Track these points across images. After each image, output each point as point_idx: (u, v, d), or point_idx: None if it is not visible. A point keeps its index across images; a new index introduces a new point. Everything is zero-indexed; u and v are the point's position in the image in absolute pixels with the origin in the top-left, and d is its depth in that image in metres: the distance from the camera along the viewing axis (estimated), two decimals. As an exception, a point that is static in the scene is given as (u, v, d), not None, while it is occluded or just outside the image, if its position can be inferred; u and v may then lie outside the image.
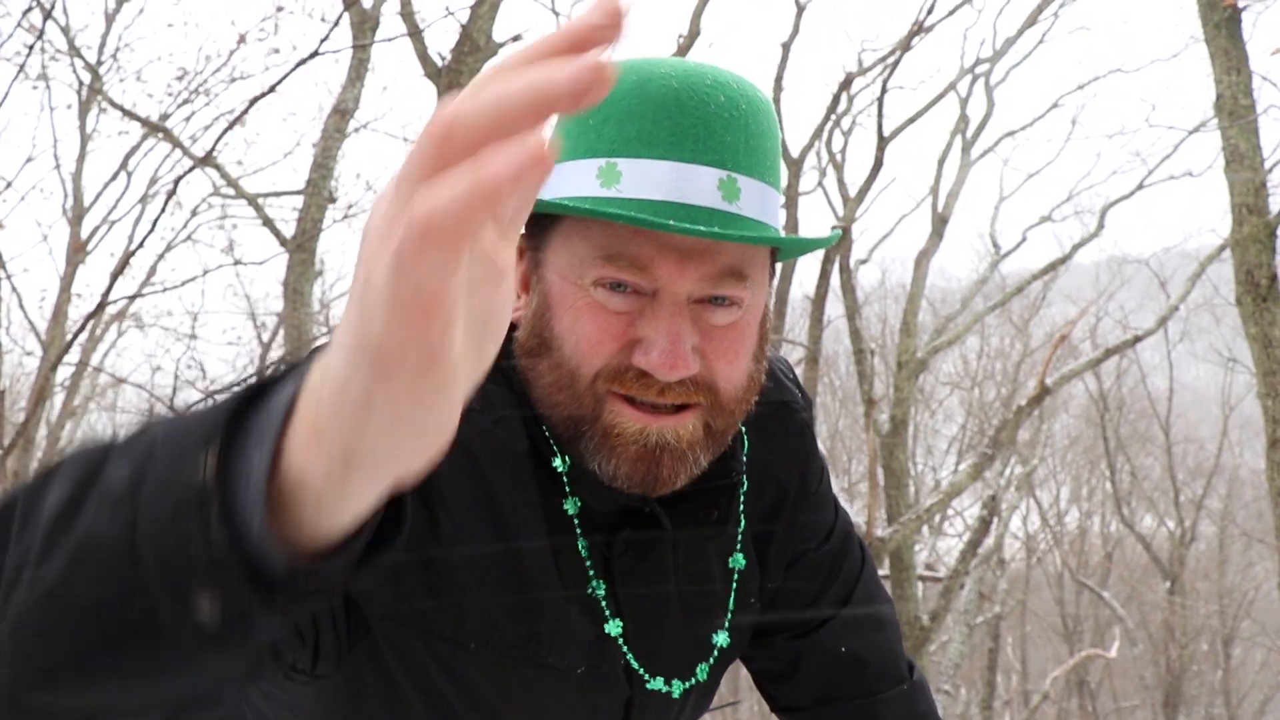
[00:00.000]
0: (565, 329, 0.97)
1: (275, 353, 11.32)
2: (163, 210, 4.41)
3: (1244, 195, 6.53)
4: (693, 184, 0.92)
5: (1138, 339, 12.79)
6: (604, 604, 1.04)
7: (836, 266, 10.91)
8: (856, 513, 10.73)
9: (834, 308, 11.70)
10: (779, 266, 1.08)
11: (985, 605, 14.02)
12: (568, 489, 1.02)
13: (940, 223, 12.45)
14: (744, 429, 1.10)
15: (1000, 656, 19.16)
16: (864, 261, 13.94)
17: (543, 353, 0.98)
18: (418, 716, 1.03)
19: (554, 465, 1.01)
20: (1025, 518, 20.89)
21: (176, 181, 5.10)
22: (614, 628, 1.05)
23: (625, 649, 1.06)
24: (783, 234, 0.99)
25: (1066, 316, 14.92)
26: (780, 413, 1.19)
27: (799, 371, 1.16)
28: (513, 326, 1.02)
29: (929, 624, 11.43)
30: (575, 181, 0.96)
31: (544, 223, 1.00)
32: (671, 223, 0.90)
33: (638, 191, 0.92)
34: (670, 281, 0.94)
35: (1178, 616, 19.88)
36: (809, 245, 1.05)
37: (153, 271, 11.21)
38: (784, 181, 1.19)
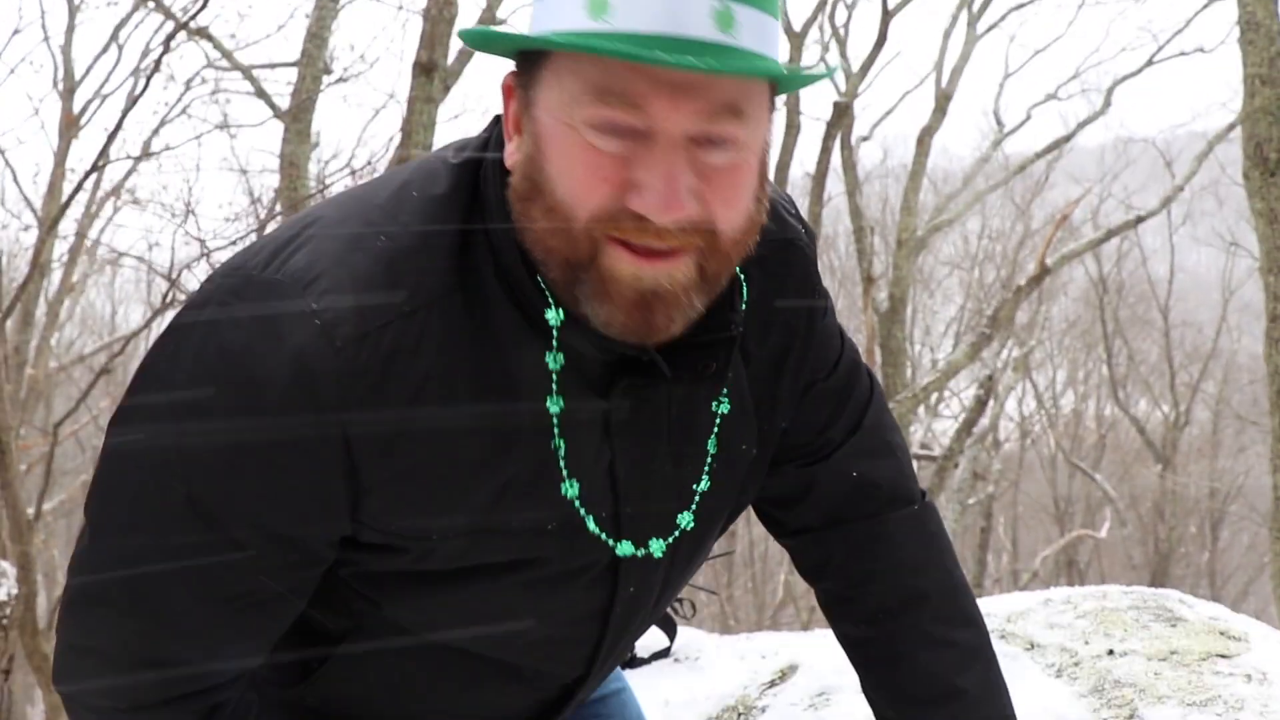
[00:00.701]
0: (558, 171, 0.93)
1: (272, 225, 11.23)
2: (154, 70, 4.27)
3: (1258, 66, 6.39)
4: (686, 14, 0.88)
5: (1140, 220, 12.70)
6: (561, 464, 1.02)
7: (837, 143, 10.75)
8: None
9: (834, 185, 11.58)
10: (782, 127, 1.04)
11: (979, 485, 14.20)
12: (555, 343, 0.99)
13: (944, 99, 12.25)
14: (745, 273, 1.07)
15: (992, 536, 19.47)
16: (865, 139, 13.73)
17: (535, 197, 0.95)
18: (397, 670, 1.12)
19: (546, 318, 0.98)
20: (1021, 400, 21.04)
21: (166, 41, 4.95)
22: (570, 489, 1.03)
23: (582, 510, 1.04)
24: (782, 67, 0.94)
25: (1069, 198, 14.78)
26: (785, 251, 1.15)
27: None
28: (506, 172, 0.99)
29: (923, 501, 11.59)
30: (563, 14, 0.92)
31: (533, 59, 0.96)
32: (661, 54, 0.86)
33: (627, 23, 0.88)
34: (664, 119, 0.90)
35: (1168, 498, 20.17)
36: (808, 80, 1.01)
37: (148, 145, 11.06)
38: (783, 12, 1.14)
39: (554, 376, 1.00)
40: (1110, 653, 1.73)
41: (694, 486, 1.12)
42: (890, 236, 12.89)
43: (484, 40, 0.99)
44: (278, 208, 9.89)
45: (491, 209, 0.99)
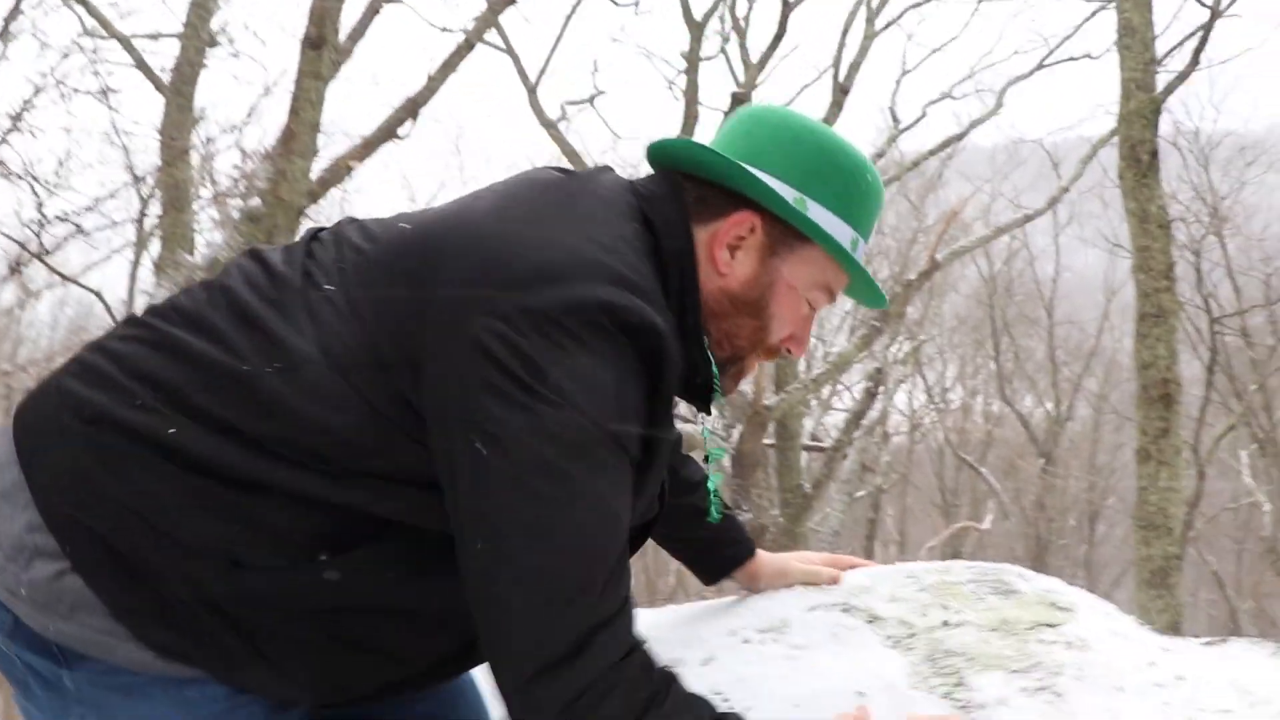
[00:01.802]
0: (778, 316, 1.43)
1: (153, 205, 10.88)
2: (12, 15, 4.06)
3: (1133, 70, 6.58)
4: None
5: (1028, 218, 13.03)
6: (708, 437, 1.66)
7: (735, 135, 10.81)
8: (745, 383, 10.86)
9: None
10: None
11: (867, 477, 14.42)
12: (715, 382, 1.44)
13: (841, 94, 12.39)
14: None
15: (880, 527, 19.81)
16: (763, 132, 13.77)
17: (748, 314, 1.43)
18: None
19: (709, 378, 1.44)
20: (911, 394, 21.43)
21: None
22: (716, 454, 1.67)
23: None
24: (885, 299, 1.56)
25: (963, 196, 15.08)
26: None
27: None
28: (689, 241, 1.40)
29: (811, 492, 11.71)
30: (838, 231, 1.41)
31: (793, 231, 1.41)
32: (884, 301, 1.54)
33: (858, 254, 1.44)
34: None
35: (1049, 492, 20.74)
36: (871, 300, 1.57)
37: (19, 116, 10.63)
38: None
39: (715, 384, 1.44)
40: (945, 624, 1.74)
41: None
42: (785, 229, 12.96)
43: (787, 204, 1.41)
44: (157, 190, 9.59)
45: (676, 269, 1.37)
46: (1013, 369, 21.90)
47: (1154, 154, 6.46)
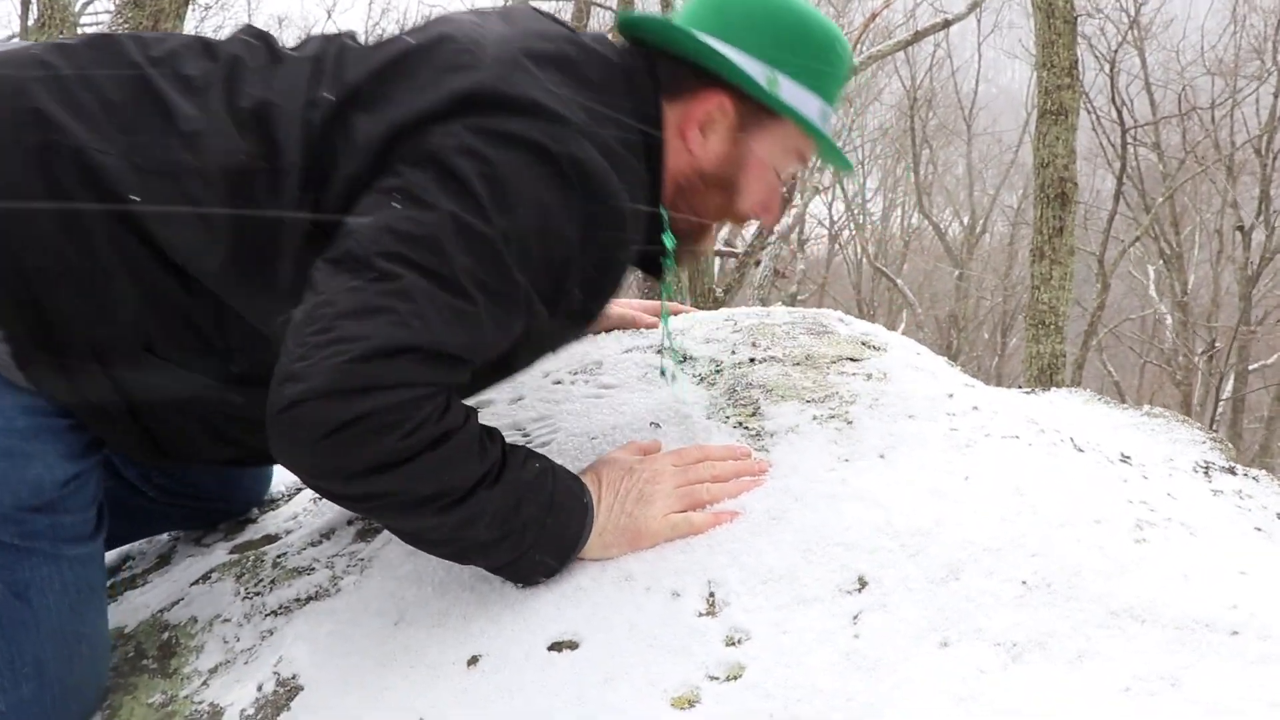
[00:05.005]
0: (749, 189, 1.48)
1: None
2: None
3: None
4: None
5: (948, 23, 12.77)
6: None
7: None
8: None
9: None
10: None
11: (780, 283, 14.48)
12: (666, 228, 1.48)
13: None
14: None
15: (794, 335, 20.02)
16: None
17: (718, 188, 1.47)
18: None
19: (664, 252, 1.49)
20: (831, 205, 21.44)
21: None
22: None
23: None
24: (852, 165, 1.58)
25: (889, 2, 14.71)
26: None
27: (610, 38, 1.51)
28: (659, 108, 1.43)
29: (723, 296, 11.74)
30: (806, 105, 1.43)
31: (762, 108, 1.43)
32: (850, 165, 1.56)
33: (827, 128, 1.47)
34: None
35: (963, 304, 21.08)
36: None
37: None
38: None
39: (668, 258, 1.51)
40: (751, 361, 1.72)
41: None
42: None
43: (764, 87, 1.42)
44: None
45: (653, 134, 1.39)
46: (931, 181, 21.94)
47: (1064, -55, 6.30)
